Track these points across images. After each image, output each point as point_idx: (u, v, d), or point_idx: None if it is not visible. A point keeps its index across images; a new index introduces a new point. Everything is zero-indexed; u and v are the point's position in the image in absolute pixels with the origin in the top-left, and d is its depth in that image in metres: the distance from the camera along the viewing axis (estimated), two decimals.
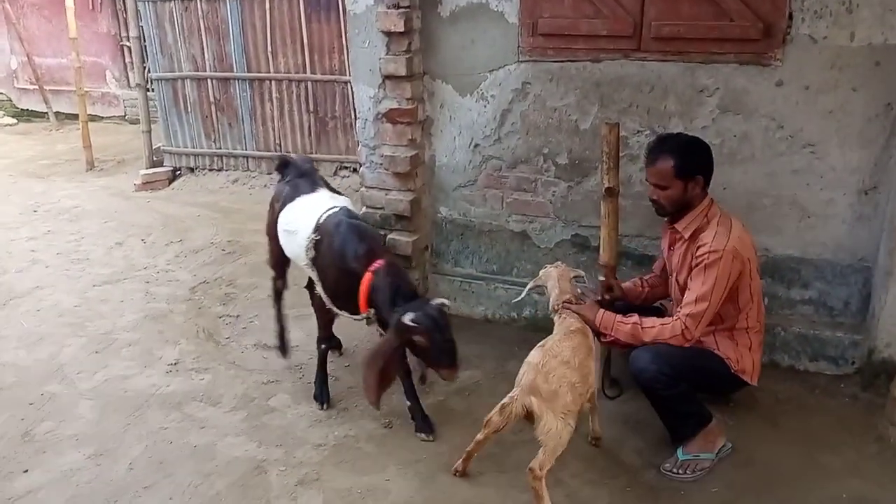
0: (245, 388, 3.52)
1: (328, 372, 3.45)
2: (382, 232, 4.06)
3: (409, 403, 3.15)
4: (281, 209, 3.48)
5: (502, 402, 2.60)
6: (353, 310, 3.12)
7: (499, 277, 4.09)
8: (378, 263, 3.00)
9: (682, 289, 2.91)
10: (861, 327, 3.43)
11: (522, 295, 3.24)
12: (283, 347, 3.76)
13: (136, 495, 2.78)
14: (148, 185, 7.06)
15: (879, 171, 3.24)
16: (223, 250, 5.41)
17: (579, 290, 3.09)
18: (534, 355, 2.67)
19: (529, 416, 2.56)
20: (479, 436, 2.70)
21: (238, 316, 4.33)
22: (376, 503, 2.70)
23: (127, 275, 4.95)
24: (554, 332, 2.87)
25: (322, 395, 3.36)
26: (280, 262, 3.67)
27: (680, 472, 2.85)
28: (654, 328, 2.81)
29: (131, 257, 5.29)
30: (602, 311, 2.93)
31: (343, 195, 3.60)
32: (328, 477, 2.85)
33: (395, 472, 2.87)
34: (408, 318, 2.73)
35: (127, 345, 3.96)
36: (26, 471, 2.92)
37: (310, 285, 3.52)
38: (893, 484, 2.77)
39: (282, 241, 3.46)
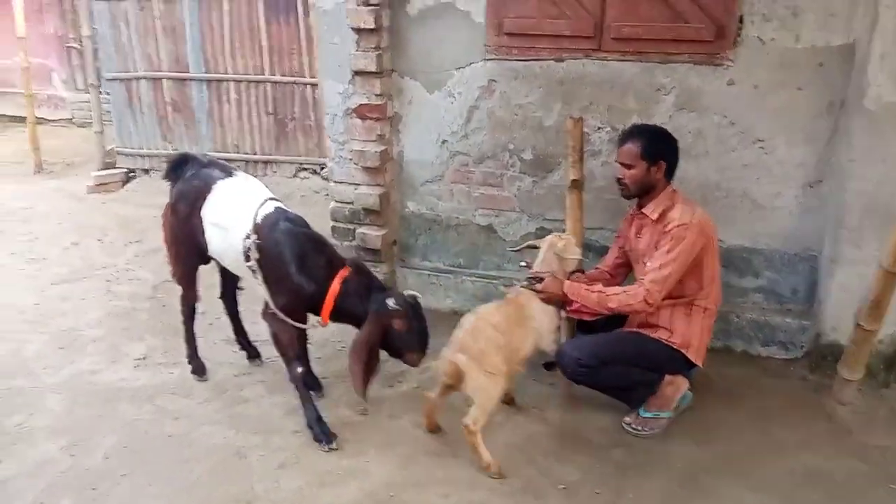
0: (216, 381, 3.53)
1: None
2: (351, 226, 4.13)
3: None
4: (194, 206, 3.22)
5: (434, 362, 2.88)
6: (305, 319, 3.08)
7: (466, 270, 4.19)
8: (344, 272, 2.98)
9: None
10: (808, 313, 3.65)
11: (519, 247, 3.36)
12: (199, 367, 3.57)
13: (115, 483, 2.77)
14: (101, 186, 6.93)
15: (823, 166, 3.47)
16: None
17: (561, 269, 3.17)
18: (466, 318, 2.93)
19: (457, 379, 2.80)
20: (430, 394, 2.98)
21: (203, 313, 4.28)
22: (358, 483, 2.75)
23: (86, 274, 4.87)
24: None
25: (324, 432, 2.99)
26: (192, 269, 3.46)
27: (639, 428, 3.06)
28: (618, 294, 2.98)
29: (89, 257, 5.20)
30: (567, 281, 3.07)
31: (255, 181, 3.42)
32: (308, 460, 2.89)
33: (374, 455, 2.93)
34: (390, 302, 2.88)
35: (92, 341, 3.91)
36: None
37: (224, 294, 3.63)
38: (841, 457, 2.95)
39: (209, 239, 3.22)
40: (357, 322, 2.99)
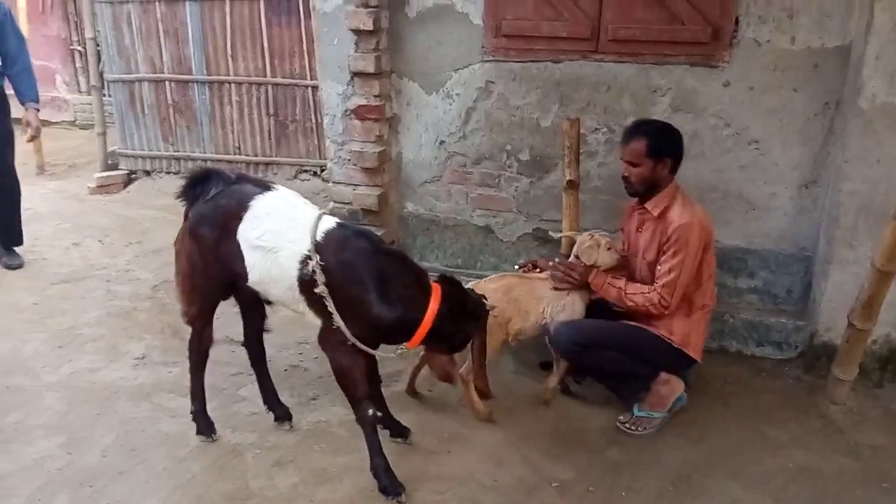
0: (214, 380, 3.51)
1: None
2: None
3: (380, 414, 2.88)
4: (225, 229, 2.73)
5: None
6: (378, 345, 2.71)
7: (463, 270, 4.19)
8: (438, 292, 2.60)
9: (650, 266, 3.07)
10: (803, 313, 3.66)
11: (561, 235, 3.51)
12: (207, 425, 3.07)
13: (111, 480, 2.79)
14: (103, 188, 6.96)
15: (818, 167, 3.49)
16: None
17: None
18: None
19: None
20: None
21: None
22: (352, 480, 2.77)
23: (86, 274, 4.90)
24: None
25: (392, 483, 2.67)
26: (212, 307, 2.96)
27: (633, 427, 3.08)
28: (637, 295, 3.02)
29: (89, 257, 5.23)
30: (595, 270, 3.12)
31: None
32: (304, 458, 2.91)
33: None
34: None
35: (91, 340, 3.93)
36: None
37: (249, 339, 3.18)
38: (834, 455, 2.98)
39: (250, 266, 2.71)
40: (443, 342, 2.67)
